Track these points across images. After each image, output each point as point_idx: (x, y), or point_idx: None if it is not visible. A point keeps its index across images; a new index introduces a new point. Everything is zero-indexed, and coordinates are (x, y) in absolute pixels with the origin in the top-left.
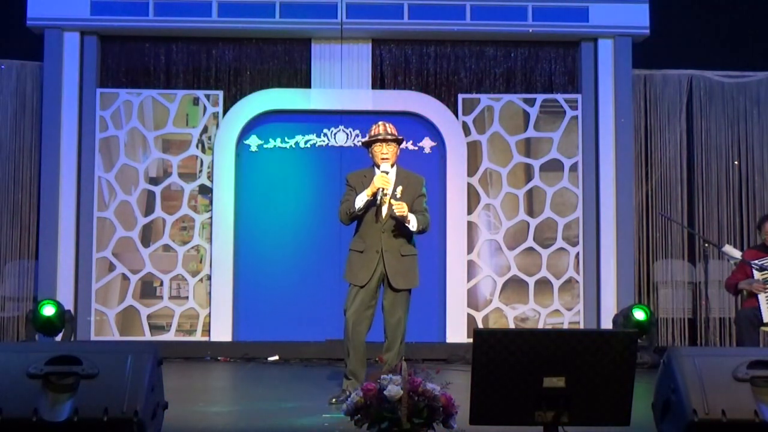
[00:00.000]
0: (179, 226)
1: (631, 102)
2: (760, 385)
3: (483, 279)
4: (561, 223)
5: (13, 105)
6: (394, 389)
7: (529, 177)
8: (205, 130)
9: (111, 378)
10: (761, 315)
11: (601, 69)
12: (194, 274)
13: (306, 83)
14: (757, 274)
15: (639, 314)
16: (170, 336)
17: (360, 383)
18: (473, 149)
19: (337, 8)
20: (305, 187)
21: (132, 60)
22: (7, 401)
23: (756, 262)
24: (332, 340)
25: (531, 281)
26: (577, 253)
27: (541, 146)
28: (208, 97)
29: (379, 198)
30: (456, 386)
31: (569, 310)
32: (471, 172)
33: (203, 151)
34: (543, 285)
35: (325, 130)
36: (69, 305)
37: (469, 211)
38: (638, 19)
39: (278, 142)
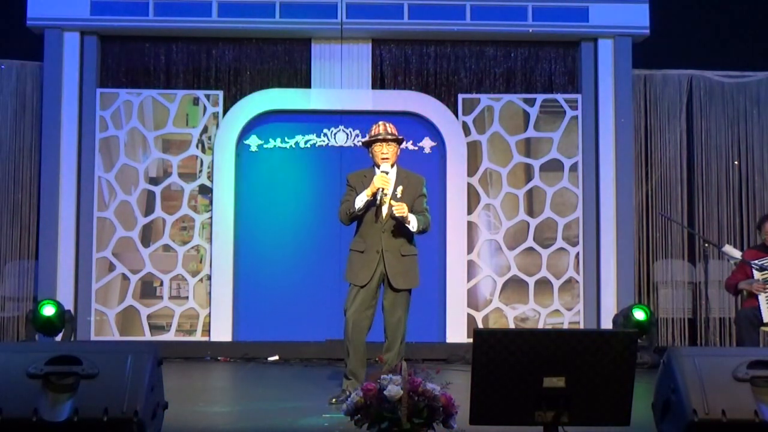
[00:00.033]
0: (179, 226)
1: (631, 102)
2: (760, 385)
3: (483, 279)
4: (561, 223)
5: (13, 105)
6: (394, 389)
7: (529, 177)
8: (205, 130)
9: (111, 378)
10: (761, 315)
11: (601, 69)
12: (194, 274)
13: (306, 83)
14: (757, 274)
15: (639, 314)
16: (170, 336)
17: (360, 383)
18: (473, 149)
19: (337, 8)
20: (305, 187)
21: (132, 60)
22: (7, 401)
23: (756, 262)
24: (332, 340)
25: (531, 281)
26: (577, 253)
27: (541, 146)
28: (208, 97)
29: (378, 198)
30: (456, 386)
31: (569, 310)
32: (471, 172)
33: (203, 151)
34: (543, 285)
35: (325, 130)
36: (69, 305)
37: (469, 211)
38: (638, 19)
39: (278, 142)
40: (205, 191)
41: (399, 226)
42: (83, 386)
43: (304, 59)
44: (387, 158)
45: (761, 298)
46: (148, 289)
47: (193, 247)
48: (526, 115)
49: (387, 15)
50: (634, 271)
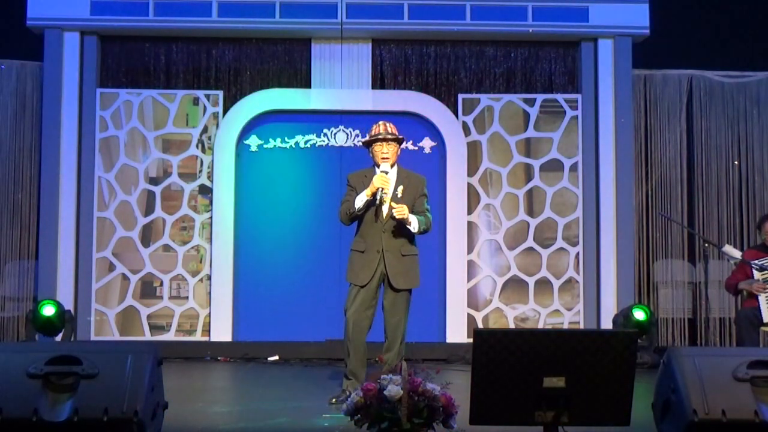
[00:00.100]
0: (179, 226)
1: (631, 102)
2: (760, 385)
3: (483, 279)
4: (561, 223)
5: (13, 105)
6: (394, 389)
7: (529, 177)
8: (205, 130)
9: (111, 378)
10: (761, 315)
11: (601, 69)
12: (194, 274)
13: (306, 83)
14: (757, 274)
15: (639, 314)
16: (170, 336)
17: (360, 383)
18: (473, 149)
19: (337, 8)
20: (305, 187)
21: (132, 60)
22: (7, 401)
23: (756, 262)
24: (332, 340)
25: (531, 281)
26: (577, 253)
27: (541, 146)
28: (208, 97)
29: (378, 198)
30: (456, 386)
31: (569, 310)
32: (471, 172)
33: (203, 151)
34: (543, 285)
35: (325, 130)
36: (69, 305)
37: (469, 211)
38: (638, 19)
39: (278, 142)
40: (205, 191)
41: (399, 226)
42: (83, 386)
43: (304, 59)
44: (387, 158)
45: (761, 298)
46: (148, 289)
47: (193, 247)
48: (526, 115)
49: (387, 15)
50: (634, 271)
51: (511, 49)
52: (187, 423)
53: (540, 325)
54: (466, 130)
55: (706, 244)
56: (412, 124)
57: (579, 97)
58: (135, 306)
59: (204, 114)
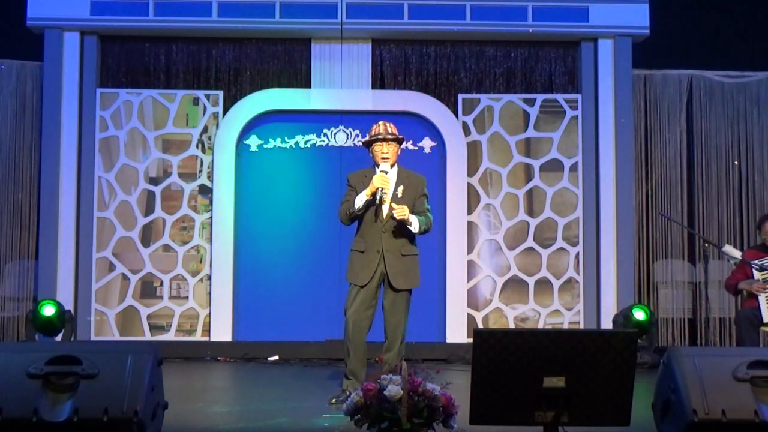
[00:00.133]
0: (179, 226)
1: (631, 102)
2: (760, 385)
3: (483, 279)
4: (561, 223)
5: (13, 105)
6: (394, 389)
7: (529, 177)
8: (205, 130)
9: (111, 378)
10: (761, 315)
11: (601, 69)
12: (194, 274)
13: (306, 83)
14: (757, 274)
15: (639, 314)
16: (170, 336)
17: (360, 383)
18: (473, 149)
19: (337, 8)
20: (305, 187)
21: (132, 60)
22: (7, 401)
23: (756, 262)
24: (332, 340)
25: (531, 281)
26: (577, 253)
27: (541, 146)
28: (208, 97)
29: (378, 197)
30: (456, 386)
31: (569, 310)
32: (471, 172)
33: (203, 151)
34: (543, 285)
35: (325, 130)
36: (69, 305)
37: (469, 211)
38: (638, 19)
39: (278, 142)
40: (205, 191)
41: (400, 226)
42: (83, 386)
43: (304, 59)
44: (387, 158)
45: (761, 298)
46: (148, 289)
47: (193, 247)
48: (526, 115)
49: (387, 15)
50: (634, 271)
51: (511, 49)
52: (187, 423)
53: (540, 325)
54: (466, 130)
55: (706, 244)
56: (412, 124)
57: (579, 97)
58: (135, 306)
59: (204, 114)
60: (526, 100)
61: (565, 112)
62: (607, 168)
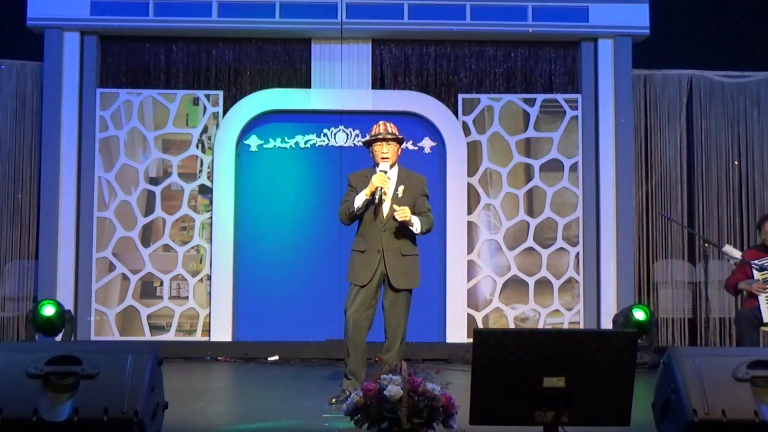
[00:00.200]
0: (179, 226)
1: (631, 102)
2: (760, 385)
3: (483, 279)
4: (561, 223)
5: (13, 105)
6: (394, 389)
7: (529, 177)
8: (205, 130)
9: (111, 378)
10: (761, 315)
11: (601, 69)
12: (194, 274)
13: (306, 83)
14: (757, 274)
15: (639, 314)
16: (170, 336)
17: (360, 383)
18: (473, 149)
19: (337, 8)
20: (305, 187)
21: (132, 60)
22: (7, 401)
23: (756, 262)
24: (332, 340)
25: (531, 281)
26: (577, 253)
27: (541, 146)
28: (208, 97)
29: (377, 197)
30: (456, 386)
31: (569, 310)
32: (471, 172)
33: (203, 151)
34: (543, 285)
35: (325, 130)
36: (69, 305)
37: (469, 211)
38: (638, 19)
39: (278, 142)
40: (205, 191)
41: (401, 227)
42: (83, 386)
43: (304, 59)
44: (387, 158)
45: (761, 298)
46: (148, 289)
47: (193, 247)
48: (526, 115)
49: (387, 15)
50: (634, 271)
51: (511, 49)
52: (187, 423)
53: (540, 325)
54: (466, 130)
55: (706, 244)
56: (412, 124)
57: (579, 97)
58: (135, 306)
59: (204, 114)
60: (526, 100)
61: (565, 112)
62: (607, 168)
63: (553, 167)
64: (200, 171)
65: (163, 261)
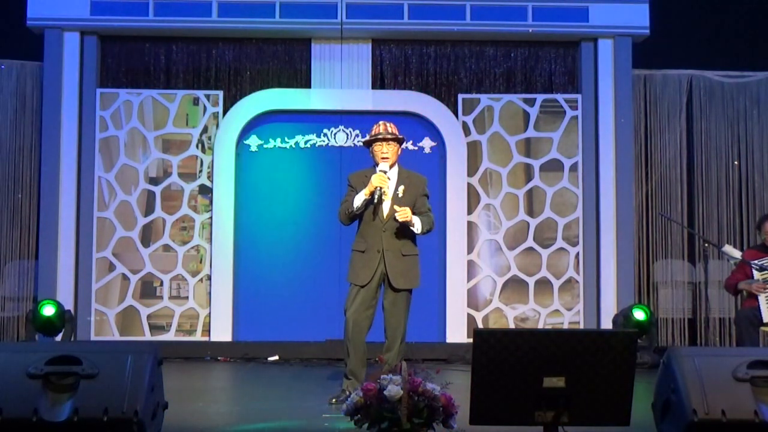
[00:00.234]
0: (179, 226)
1: (631, 102)
2: (760, 385)
3: (483, 279)
4: (561, 223)
5: (13, 105)
6: (394, 389)
7: (529, 177)
8: (205, 130)
9: (111, 378)
10: (761, 315)
11: (601, 69)
12: (194, 274)
13: (306, 83)
14: (757, 274)
15: (639, 314)
16: (170, 336)
17: (360, 383)
18: (473, 149)
19: (337, 8)
20: (305, 187)
21: (132, 60)
22: (7, 401)
23: (756, 262)
24: (332, 340)
25: (531, 281)
26: (577, 253)
27: (541, 146)
28: (208, 97)
29: (376, 197)
30: (456, 386)
31: (569, 310)
32: (471, 172)
33: (203, 151)
34: (543, 285)
35: (325, 130)
36: (69, 305)
37: (469, 211)
38: (638, 19)
39: (278, 142)
40: (205, 191)
41: (402, 227)
42: (83, 386)
43: (304, 59)
44: (387, 158)
45: (761, 298)
46: (148, 289)
47: (193, 247)
48: (526, 115)
49: (387, 15)
50: (634, 271)
51: (511, 49)
52: (187, 423)
53: (540, 325)
54: (466, 130)
55: (706, 244)
56: (412, 124)
57: (579, 97)
58: (135, 306)
59: (204, 114)
60: (526, 100)
61: (565, 112)
62: (607, 168)
63: (553, 167)
64: (200, 171)
65: (163, 261)
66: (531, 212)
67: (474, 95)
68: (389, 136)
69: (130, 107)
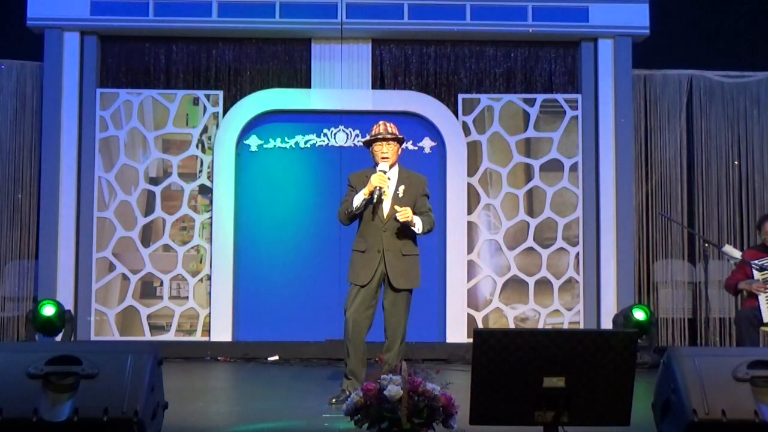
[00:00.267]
0: (179, 226)
1: (631, 102)
2: (760, 385)
3: (483, 279)
4: (561, 223)
5: (13, 105)
6: (394, 389)
7: (529, 177)
8: (205, 130)
9: (111, 378)
10: (761, 315)
11: (601, 69)
12: (194, 274)
13: (306, 83)
14: (757, 274)
15: (639, 314)
16: (170, 336)
17: (360, 383)
18: (473, 149)
19: (337, 8)
20: (305, 187)
21: (132, 60)
22: (7, 401)
23: (756, 262)
24: (332, 340)
25: (531, 281)
26: (577, 253)
27: (541, 146)
28: (208, 97)
29: (375, 197)
30: (456, 386)
31: (569, 310)
32: (471, 172)
33: (203, 151)
34: (543, 285)
35: (325, 130)
36: (69, 305)
37: (469, 211)
38: (638, 19)
39: (278, 142)
40: (205, 191)
41: (402, 227)
42: (83, 386)
43: (304, 59)
44: (387, 158)
45: (761, 298)
46: (148, 289)
47: (193, 247)
48: (526, 115)
49: (387, 15)
50: (634, 271)
51: (511, 49)
52: (187, 423)
53: (540, 325)
54: (466, 130)
55: (706, 244)
56: (412, 124)
57: (579, 97)
58: (135, 306)
59: (204, 114)
60: (526, 100)
61: (565, 112)
62: (607, 168)
63: (553, 167)
64: (200, 171)
65: (163, 261)
66: (531, 212)
67: (474, 95)
68: (389, 136)
69: (130, 107)
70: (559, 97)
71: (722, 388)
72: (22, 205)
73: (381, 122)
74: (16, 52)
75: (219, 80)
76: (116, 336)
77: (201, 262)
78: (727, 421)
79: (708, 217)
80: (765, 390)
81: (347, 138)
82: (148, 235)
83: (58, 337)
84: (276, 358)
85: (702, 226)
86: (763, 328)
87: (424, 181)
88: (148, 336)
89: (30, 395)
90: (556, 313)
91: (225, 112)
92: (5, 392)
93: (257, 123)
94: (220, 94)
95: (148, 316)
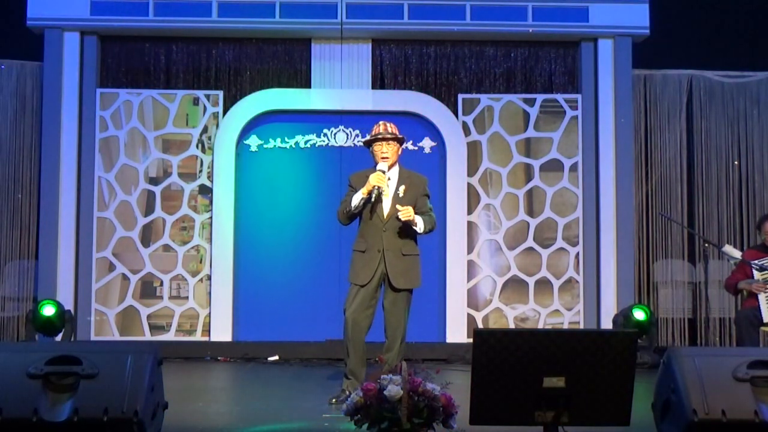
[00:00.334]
0: (179, 226)
1: (631, 102)
2: (760, 385)
3: (483, 279)
4: (561, 223)
5: (13, 105)
6: (394, 389)
7: (529, 177)
8: (205, 130)
9: (111, 378)
10: (761, 315)
11: (601, 69)
12: (194, 274)
13: (306, 83)
14: (757, 274)
15: (639, 314)
16: (170, 336)
17: (360, 383)
18: (473, 149)
19: (337, 8)
20: (305, 187)
21: (132, 60)
22: (7, 401)
23: (756, 262)
24: (332, 340)
25: (531, 281)
26: (577, 253)
27: (541, 146)
28: (208, 97)
29: (374, 196)
30: (456, 386)
31: (569, 310)
32: (471, 172)
33: (203, 151)
34: (543, 285)
35: (325, 130)
36: (69, 305)
37: (469, 211)
38: (638, 19)
39: (278, 142)
40: (205, 191)
41: (402, 226)
42: (83, 386)
43: (304, 59)
44: (386, 157)
45: (761, 298)
46: (148, 289)
47: (193, 247)
48: (526, 115)
49: (387, 15)
50: (634, 271)
51: (511, 49)
52: (187, 423)
53: (540, 325)
54: (466, 130)
55: (706, 244)
56: (412, 124)
57: (579, 97)
58: (135, 306)
59: (204, 114)
60: (526, 100)
61: (565, 112)
62: (607, 168)
63: (553, 167)
64: (200, 171)
65: (163, 261)
66: (531, 212)
67: (474, 95)
68: (389, 136)
69: (130, 107)
70: (559, 97)
71: (722, 388)
72: (22, 205)
73: (381, 122)
74: (16, 52)
75: (219, 80)
76: (116, 336)
77: (201, 262)
78: (727, 421)
79: (708, 217)
80: (765, 390)
81: (347, 138)
82: (148, 235)
83: (58, 337)
84: (276, 358)
85: (702, 226)
86: (763, 328)
87: (425, 181)
88: (148, 336)
89: (30, 395)
90: (556, 313)
91: (225, 112)
92: (5, 392)
93: (257, 123)
94: (220, 94)
95: (148, 316)
